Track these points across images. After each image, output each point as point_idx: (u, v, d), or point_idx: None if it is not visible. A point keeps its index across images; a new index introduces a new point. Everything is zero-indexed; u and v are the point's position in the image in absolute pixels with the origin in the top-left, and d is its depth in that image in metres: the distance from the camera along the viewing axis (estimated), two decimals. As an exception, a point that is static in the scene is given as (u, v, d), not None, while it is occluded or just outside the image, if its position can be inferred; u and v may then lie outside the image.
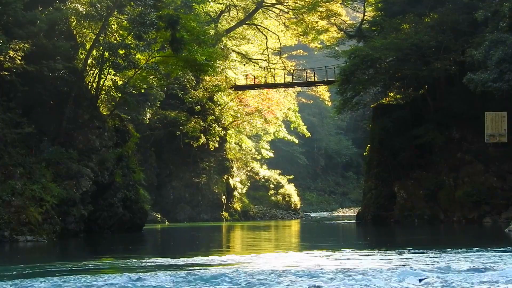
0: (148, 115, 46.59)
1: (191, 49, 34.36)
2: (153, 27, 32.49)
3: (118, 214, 32.76)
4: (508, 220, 34.20)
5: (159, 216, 47.79)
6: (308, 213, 69.48)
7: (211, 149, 52.73)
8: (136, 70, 33.89)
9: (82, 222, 29.16)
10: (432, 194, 39.41)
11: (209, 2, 52.08)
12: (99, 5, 31.10)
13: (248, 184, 61.51)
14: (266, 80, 55.91)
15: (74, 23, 32.51)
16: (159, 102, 47.15)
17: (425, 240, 26.92)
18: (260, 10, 57.96)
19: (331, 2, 51.70)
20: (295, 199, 65.80)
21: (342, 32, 52.15)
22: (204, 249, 23.75)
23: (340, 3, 52.42)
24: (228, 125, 54.93)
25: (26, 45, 27.58)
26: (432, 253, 18.16)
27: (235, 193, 56.74)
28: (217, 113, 53.00)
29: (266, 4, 57.90)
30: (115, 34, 33.97)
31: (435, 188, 39.41)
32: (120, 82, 35.78)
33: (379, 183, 42.29)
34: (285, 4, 56.89)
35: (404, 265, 14.97)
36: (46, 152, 28.67)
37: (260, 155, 65.32)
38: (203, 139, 51.41)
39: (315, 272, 13.74)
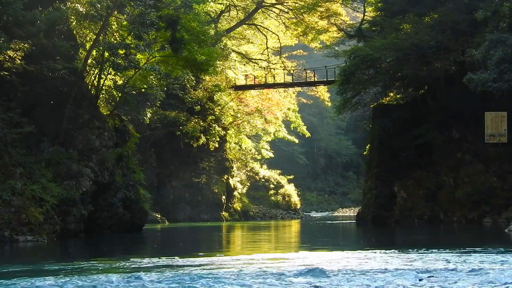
0: (148, 115, 46.59)
1: (191, 49, 34.37)
2: (153, 27, 32.50)
3: (118, 214, 32.77)
4: (508, 220, 34.20)
5: (159, 216, 47.79)
6: (308, 213, 69.48)
7: (211, 149, 52.73)
8: (136, 70, 33.89)
9: (82, 222, 29.14)
10: (432, 194, 39.40)
11: (209, 2, 52.07)
12: (99, 5, 31.10)
13: (248, 184, 61.53)
14: (266, 80, 55.91)
15: (74, 23, 32.51)
16: (159, 102, 47.15)
17: (425, 240, 26.92)
18: (260, 10, 57.97)
19: (331, 2, 51.69)
20: (295, 199, 65.81)
21: (342, 32, 52.13)
22: (199, 250, 23.71)
23: (340, 3, 52.41)
24: (228, 125, 54.93)
25: (26, 45, 27.58)
26: (432, 253, 18.16)
27: (235, 193, 56.75)
28: (217, 113, 53.00)
29: (266, 4, 57.90)
30: (115, 34, 33.97)
31: (435, 188, 39.40)
32: (120, 82, 35.78)
33: (379, 183, 42.26)
34: (285, 4, 56.89)
35: (404, 265, 14.97)
36: (46, 152, 28.66)
37: (260, 155, 65.34)
38: (203, 139, 51.40)
39: (315, 272, 13.74)
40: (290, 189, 66.08)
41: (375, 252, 18.91)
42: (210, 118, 52.13)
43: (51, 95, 29.85)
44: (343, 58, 43.52)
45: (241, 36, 59.61)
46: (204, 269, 14.83)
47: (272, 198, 64.05)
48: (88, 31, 32.74)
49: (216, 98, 53.00)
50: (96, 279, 12.94)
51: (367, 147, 47.51)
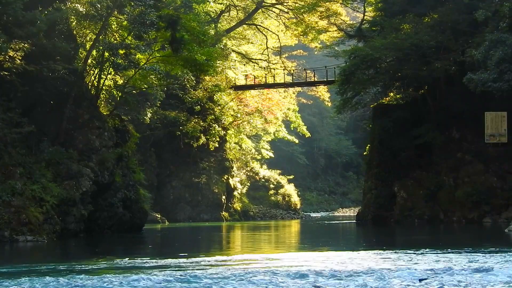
0: (148, 115, 46.59)
1: (191, 49, 34.36)
2: (153, 27, 32.48)
3: (118, 214, 32.76)
4: (508, 220, 34.20)
5: (159, 216, 47.78)
6: (308, 213, 69.45)
7: (211, 149, 52.72)
8: (136, 70, 33.88)
9: (82, 222, 29.14)
10: (432, 194, 39.38)
11: (209, 2, 52.07)
12: (99, 5, 31.09)
13: (248, 184, 61.50)
14: (266, 80, 55.88)
15: (74, 23, 32.49)
16: (159, 102, 47.14)
17: (425, 240, 26.92)
18: (260, 10, 57.97)
19: (331, 2, 51.66)
20: (295, 199, 65.78)
21: (342, 32, 52.12)
22: (191, 251, 23.73)
23: (340, 3, 52.38)
24: (228, 125, 54.91)
25: (26, 45, 27.57)
26: (432, 253, 18.15)
27: (235, 193, 56.73)
28: (217, 113, 52.99)
29: (266, 4, 57.90)
30: (115, 34, 33.96)
31: (435, 188, 39.39)
32: (120, 82, 35.79)
33: (379, 183, 42.26)
34: (285, 4, 56.89)
35: (404, 265, 14.97)
36: (46, 152, 28.65)
37: (260, 155, 65.32)
38: (203, 139, 51.39)
39: (315, 272, 13.73)
40: (290, 189, 66.04)
41: (375, 252, 18.91)
42: (210, 118, 52.12)
43: (51, 95, 29.83)
44: (343, 58, 43.49)
45: (241, 36, 59.60)
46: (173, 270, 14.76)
47: (272, 198, 64.02)
48: (88, 31, 32.73)
49: (216, 98, 52.98)
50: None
51: (367, 147, 47.49)
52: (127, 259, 17.56)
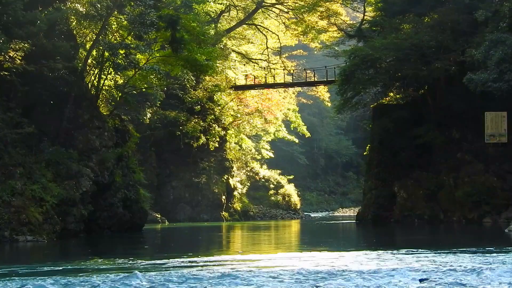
0: (148, 115, 46.57)
1: (191, 49, 34.36)
2: (153, 27, 32.49)
3: (118, 214, 32.76)
4: (508, 220, 34.20)
5: (159, 216, 47.77)
6: (308, 213, 69.44)
7: (211, 149, 52.71)
8: (136, 70, 33.89)
9: (82, 222, 29.16)
10: (432, 194, 39.39)
11: (209, 2, 52.06)
12: (99, 5, 31.10)
13: (248, 184, 61.46)
14: (266, 80, 55.90)
15: (74, 23, 32.50)
16: (159, 102, 47.12)
17: (425, 240, 26.92)
18: (260, 10, 57.97)
19: (331, 2, 51.70)
20: (295, 199, 65.75)
21: (342, 32, 52.14)
22: (184, 251, 23.74)
23: (340, 3, 52.41)
24: (228, 125, 54.92)
25: (26, 45, 27.57)
26: (432, 253, 18.16)
27: (235, 193, 56.71)
28: (217, 113, 53.00)
29: (266, 4, 57.91)
30: (115, 34, 33.96)
31: (435, 188, 39.40)
32: (120, 82, 35.80)
33: (379, 183, 42.26)
34: (285, 4, 56.89)
35: (404, 266, 14.96)
36: (46, 152, 28.65)
37: (260, 155, 65.30)
38: (203, 139, 51.39)
39: (316, 272, 13.74)
40: (290, 189, 66.01)
41: (374, 252, 18.90)
42: (210, 118, 52.12)
43: (51, 95, 29.83)
44: (343, 58, 43.50)
45: (241, 36, 59.59)
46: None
47: (272, 198, 63.98)
48: (88, 31, 32.73)
49: (216, 98, 52.97)
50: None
51: (367, 147, 47.50)
52: (106, 259, 17.56)
